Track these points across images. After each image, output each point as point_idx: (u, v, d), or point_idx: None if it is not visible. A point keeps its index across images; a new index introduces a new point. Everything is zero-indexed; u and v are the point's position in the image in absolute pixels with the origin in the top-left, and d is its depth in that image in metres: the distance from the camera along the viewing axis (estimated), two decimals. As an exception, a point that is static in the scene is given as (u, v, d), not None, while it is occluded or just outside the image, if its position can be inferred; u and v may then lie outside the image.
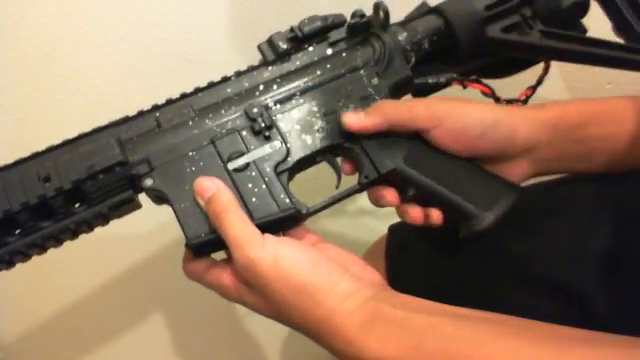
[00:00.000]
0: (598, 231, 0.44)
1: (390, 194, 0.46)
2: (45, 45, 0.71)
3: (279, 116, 0.45)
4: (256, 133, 0.44)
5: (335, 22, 0.48)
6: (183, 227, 0.41)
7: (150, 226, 0.79)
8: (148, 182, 0.42)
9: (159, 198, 0.43)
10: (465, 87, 0.51)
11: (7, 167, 0.42)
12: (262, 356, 0.92)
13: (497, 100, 0.50)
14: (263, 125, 0.44)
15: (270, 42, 0.47)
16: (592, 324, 0.34)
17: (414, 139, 0.46)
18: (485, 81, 0.51)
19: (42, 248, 0.42)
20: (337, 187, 0.47)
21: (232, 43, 0.72)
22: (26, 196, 0.40)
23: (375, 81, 0.48)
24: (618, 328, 0.33)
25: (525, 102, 0.51)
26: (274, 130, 0.45)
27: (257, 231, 0.39)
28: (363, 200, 0.72)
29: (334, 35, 0.49)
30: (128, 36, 0.72)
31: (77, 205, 0.42)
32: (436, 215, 0.45)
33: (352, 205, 0.81)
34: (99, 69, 0.73)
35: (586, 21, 0.50)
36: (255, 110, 0.44)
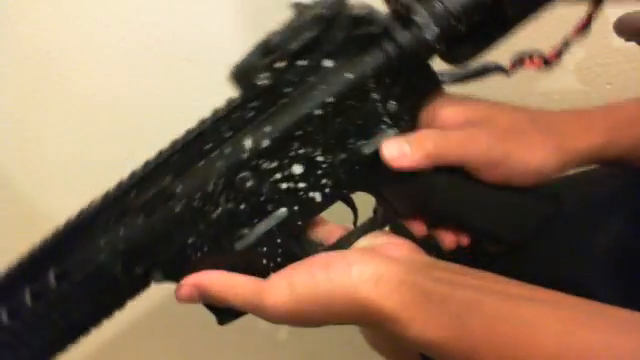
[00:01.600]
0: (606, 231, 0.43)
1: (418, 227, 0.41)
2: (45, 45, 0.71)
3: (278, 177, 0.37)
4: (256, 208, 0.37)
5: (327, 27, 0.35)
6: (214, 313, 0.39)
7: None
8: (156, 276, 0.38)
9: None
10: (512, 72, 0.40)
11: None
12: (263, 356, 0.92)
13: (550, 64, 0.39)
14: (262, 199, 0.37)
15: (244, 73, 0.36)
16: None
17: (445, 174, 0.38)
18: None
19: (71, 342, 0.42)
20: (355, 224, 0.41)
21: (232, 43, 0.72)
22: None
23: (393, 107, 0.37)
24: None
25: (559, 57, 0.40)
26: (277, 198, 0.37)
27: (258, 279, 0.37)
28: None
29: (329, 40, 0.36)
30: (128, 36, 0.71)
31: None
32: (466, 240, 0.42)
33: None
34: (99, 69, 0.73)
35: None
36: (249, 184, 0.37)
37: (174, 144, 0.37)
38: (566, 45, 0.40)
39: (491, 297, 0.33)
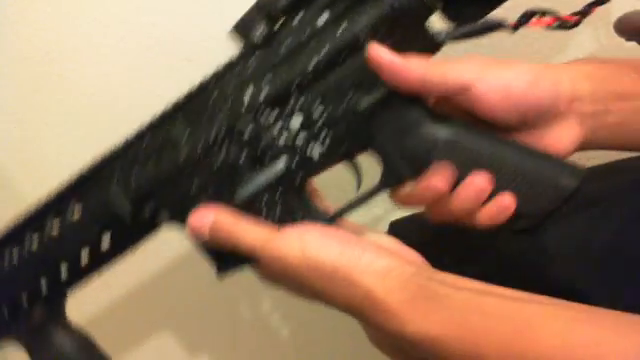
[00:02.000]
0: (605, 229, 0.43)
1: (440, 181, 0.38)
2: (45, 45, 0.71)
3: (276, 128, 0.38)
4: (256, 158, 0.39)
5: None
6: (211, 263, 0.40)
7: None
8: (163, 217, 0.41)
9: None
10: (517, 29, 0.39)
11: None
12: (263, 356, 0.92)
13: (568, 26, 0.40)
14: (260, 151, 0.38)
15: (242, 29, 0.39)
16: None
17: (448, 127, 0.38)
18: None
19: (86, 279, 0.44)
20: (358, 189, 0.41)
21: (233, 43, 0.72)
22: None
23: None
24: None
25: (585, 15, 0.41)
26: (274, 149, 0.38)
27: (274, 227, 0.37)
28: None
29: None
30: (128, 36, 0.71)
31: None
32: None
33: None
34: (99, 69, 0.73)
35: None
36: (247, 136, 0.38)
37: (180, 98, 0.40)
38: (589, 7, 0.40)
39: (493, 298, 0.33)
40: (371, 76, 0.37)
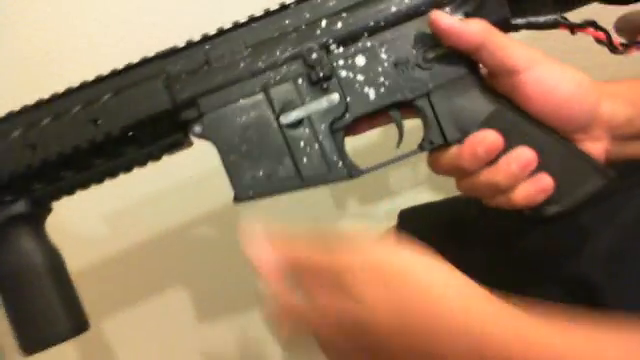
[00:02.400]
0: (614, 226, 0.43)
1: (487, 147, 0.37)
2: (45, 45, 0.71)
3: (340, 62, 0.39)
4: (313, 83, 0.39)
5: None
6: (232, 181, 0.39)
7: (152, 231, 0.79)
8: (197, 129, 0.40)
9: None
10: (574, 32, 0.41)
11: (56, 99, 0.41)
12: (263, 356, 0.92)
13: (613, 49, 0.41)
14: (322, 75, 0.38)
15: None
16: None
17: (496, 100, 0.39)
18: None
19: (99, 181, 0.42)
20: (398, 146, 0.42)
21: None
22: (78, 139, 0.39)
23: None
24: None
25: None
26: (333, 80, 0.39)
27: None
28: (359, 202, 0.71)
29: None
30: (128, 36, 0.71)
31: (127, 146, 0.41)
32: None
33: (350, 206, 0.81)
34: (99, 69, 0.73)
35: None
36: (314, 56, 0.38)
37: (253, 15, 0.40)
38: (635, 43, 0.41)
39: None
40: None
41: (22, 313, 0.39)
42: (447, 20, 0.38)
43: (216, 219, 0.80)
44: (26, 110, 0.41)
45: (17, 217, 0.39)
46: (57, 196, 0.42)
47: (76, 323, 0.40)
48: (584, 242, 0.43)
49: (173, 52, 0.41)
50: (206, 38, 0.40)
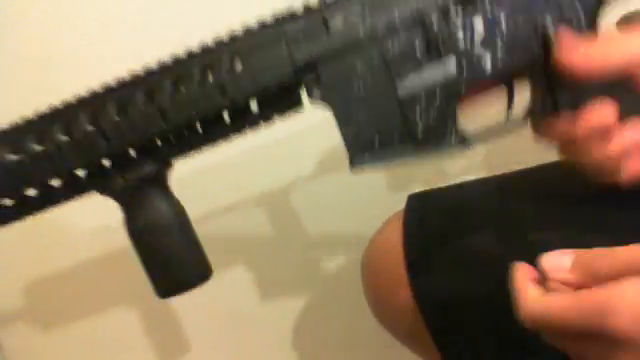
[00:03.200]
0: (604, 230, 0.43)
1: (604, 117, 0.36)
2: (45, 45, 0.71)
3: (459, 23, 0.38)
4: (430, 50, 0.38)
5: None
6: (347, 148, 0.40)
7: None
8: (315, 94, 0.39)
9: None
10: None
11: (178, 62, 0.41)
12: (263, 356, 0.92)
13: None
14: (440, 38, 0.38)
15: None
16: None
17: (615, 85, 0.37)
18: None
19: (214, 143, 0.43)
20: (508, 116, 0.42)
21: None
22: (205, 108, 0.39)
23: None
24: None
25: None
26: (450, 44, 0.38)
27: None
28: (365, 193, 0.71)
29: None
30: (128, 36, 0.71)
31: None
32: None
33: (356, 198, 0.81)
34: (99, 70, 0.72)
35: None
36: (434, 23, 0.38)
37: None
38: None
39: None
40: (565, 4, 0.37)
41: (155, 264, 0.42)
42: (584, 61, 0.35)
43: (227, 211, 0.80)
44: (150, 74, 0.42)
45: (146, 177, 0.41)
46: (179, 155, 0.43)
47: (203, 271, 0.43)
48: (580, 239, 0.43)
49: (292, 17, 0.40)
50: (324, 1, 0.40)
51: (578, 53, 0.36)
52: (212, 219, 0.79)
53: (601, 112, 0.37)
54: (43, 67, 0.72)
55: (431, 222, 0.53)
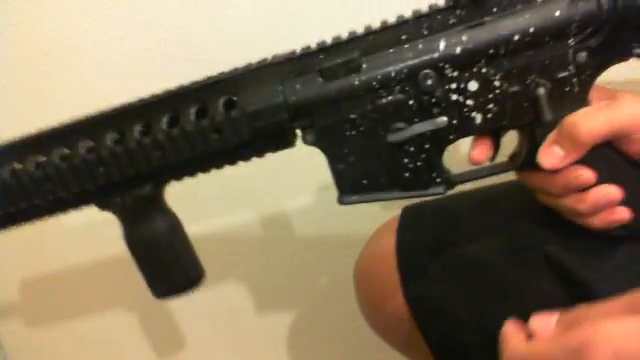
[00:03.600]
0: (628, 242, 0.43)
1: (587, 170, 0.38)
2: (45, 45, 0.71)
3: (453, 86, 0.39)
4: (423, 107, 0.39)
5: None
6: (338, 187, 0.42)
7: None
8: (309, 138, 0.41)
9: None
10: None
11: (173, 99, 0.42)
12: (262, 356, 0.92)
13: None
14: (434, 101, 0.39)
15: None
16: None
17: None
18: None
19: (209, 170, 0.44)
20: (492, 161, 0.43)
21: (233, 43, 0.72)
22: (200, 147, 0.41)
23: (582, 58, 0.37)
24: None
25: None
26: (443, 106, 0.39)
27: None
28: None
29: None
30: (128, 36, 0.71)
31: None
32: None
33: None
34: (99, 69, 0.73)
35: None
36: (429, 82, 0.38)
37: (370, 27, 0.39)
38: None
39: None
40: (558, 66, 0.38)
41: (151, 271, 0.46)
42: (554, 163, 0.38)
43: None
44: (147, 106, 0.43)
45: (142, 197, 0.44)
46: (175, 179, 0.45)
47: (194, 278, 0.46)
48: (574, 234, 0.43)
49: (290, 60, 0.40)
50: (322, 49, 0.40)
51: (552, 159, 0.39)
52: (209, 222, 0.79)
53: (579, 177, 0.39)
54: (43, 67, 0.72)
55: (425, 230, 0.53)
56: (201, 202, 0.73)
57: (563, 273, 0.43)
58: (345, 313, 0.85)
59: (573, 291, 0.42)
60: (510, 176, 0.56)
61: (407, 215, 0.56)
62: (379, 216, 0.59)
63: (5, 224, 0.46)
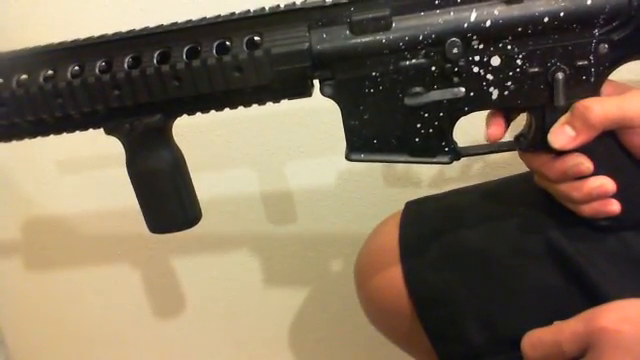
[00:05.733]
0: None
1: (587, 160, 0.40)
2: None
3: (476, 58, 0.39)
4: (445, 75, 0.39)
5: None
6: (347, 143, 0.42)
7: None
8: (327, 90, 0.41)
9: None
10: None
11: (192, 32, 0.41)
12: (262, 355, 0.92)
13: None
14: (456, 70, 0.39)
15: None
16: (596, 298, 0.37)
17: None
18: None
19: (221, 109, 0.43)
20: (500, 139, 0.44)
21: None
22: (219, 84, 0.40)
23: (603, 49, 0.38)
24: None
25: None
26: (464, 76, 0.39)
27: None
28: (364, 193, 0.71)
29: None
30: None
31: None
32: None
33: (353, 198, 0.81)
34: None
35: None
36: (455, 51, 0.38)
37: None
38: None
39: None
40: (580, 54, 0.38)
41: (150, 204, 0.45)
42: (565, 144, 0.39)
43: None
44: (168, 32, 0.42)
45: (151, 126, 0.43)
46: (187, 114, 0.44)
47: (192, 216, 0.46)
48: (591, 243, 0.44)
49: (320, 8, 0.40)
50: (353, 0, 0.40)
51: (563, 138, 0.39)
52: (211, 218, 0.79)
53: (578, 165, 0.40)
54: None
55: (427, 221, 0.54)
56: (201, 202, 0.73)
57: (563, 261, 0.43)
58: (345, 313, 0.85)
59: (573, 279, 0.42)
60: (510, 172, 0.56)
61: (410, 210, 0.56)
62: (380, 214, 0.59)
63: (9, 135, 0.45)
